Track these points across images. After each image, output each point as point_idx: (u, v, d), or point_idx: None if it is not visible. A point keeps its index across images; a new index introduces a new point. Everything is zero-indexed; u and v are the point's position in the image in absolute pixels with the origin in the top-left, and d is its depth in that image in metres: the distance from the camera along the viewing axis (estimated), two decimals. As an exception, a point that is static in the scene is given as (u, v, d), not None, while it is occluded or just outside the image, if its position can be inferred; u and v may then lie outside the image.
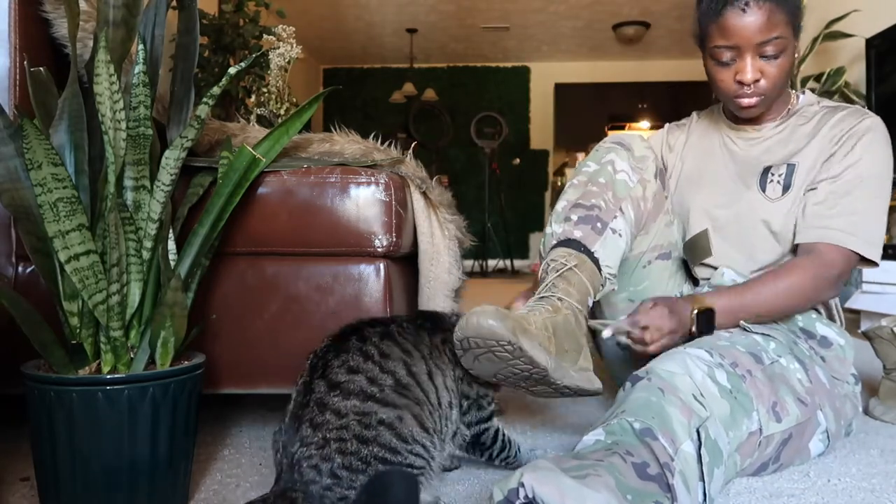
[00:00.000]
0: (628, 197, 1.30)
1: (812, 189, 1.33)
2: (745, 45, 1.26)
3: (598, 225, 1.25)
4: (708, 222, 1.41)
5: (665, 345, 1.18)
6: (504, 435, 1.16)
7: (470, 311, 1.05)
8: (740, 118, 1.44)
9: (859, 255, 1.28)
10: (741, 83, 1.30)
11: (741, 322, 1.29)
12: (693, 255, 1.44)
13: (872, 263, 1.31)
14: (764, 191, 1.37)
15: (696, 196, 1.45)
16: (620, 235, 1.27)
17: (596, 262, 1.22)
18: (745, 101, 1.32)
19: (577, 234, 1.24)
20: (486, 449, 1.14)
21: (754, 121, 1.43)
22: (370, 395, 0.93)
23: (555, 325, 1.11)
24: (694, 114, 1.60)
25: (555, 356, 1.07)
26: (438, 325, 1.12)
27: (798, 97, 1.45)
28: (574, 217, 1.26)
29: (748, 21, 1.24)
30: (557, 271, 1.19)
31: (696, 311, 1.21)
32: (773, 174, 1.37)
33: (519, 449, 1.18)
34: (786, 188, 1.35)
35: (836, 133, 1.34)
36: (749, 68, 1.28)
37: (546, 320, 1.10)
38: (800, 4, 1.31)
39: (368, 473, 0.89)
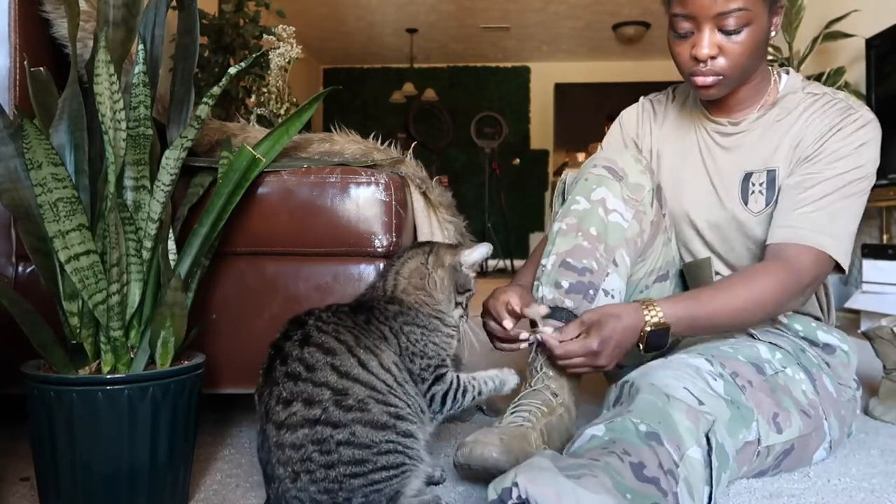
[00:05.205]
0: (623, 242, 1.23)
1: (788, 186, 1.23)
2: (702, 15, 1.15)
3: (591, 292, 1.22)
4: (691, 230, 1.36)
5: (583, 368, 1.16)
6: (453, 391, 1.07)
7: (472, 437, 1.08)
8: (709, 103, 1.34)
9: (834, 260, 1.18)
10: (696, 59, 1.19)
11: (749, 329, 1.28)
12: (694, 281, 1.37)
13: (841, 271, 1.21)
14: (746, 203, 1.29)
15: (677, 202, 1.37)
16: (613, 297, 1.23)
17: None
18: (700, 80, 1.21)
19: (567, 303, 1.22)
20: (435, 413, 1.07)
21: (729, 111, 1.32)
22: (315, 419, 0.91)
23: (549, 430, 1.16)
24: (669, 90, 1.47)
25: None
26: (360, 302, 1.07)
27: (780, 78, 1.32)
28: (565, 284, 1.22)
29: None
30: (548, 361, 1.21)
31: (648, 329, 1.13)
32: (754, 183, 1.28)
33: (481, 392, 1.10)
34: (768, 201, 1.27)
35: (817, 132, 1.23)
36: (705, 42, 1.16)
37: (543, 427, 1.16)
38: None
39: (346, 488, 0.91)
